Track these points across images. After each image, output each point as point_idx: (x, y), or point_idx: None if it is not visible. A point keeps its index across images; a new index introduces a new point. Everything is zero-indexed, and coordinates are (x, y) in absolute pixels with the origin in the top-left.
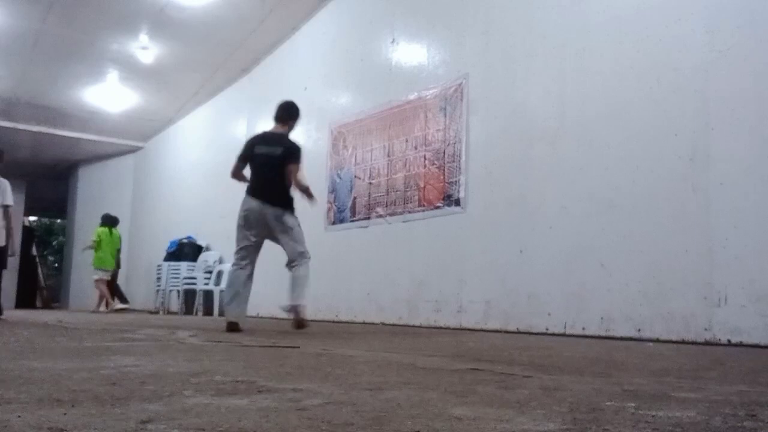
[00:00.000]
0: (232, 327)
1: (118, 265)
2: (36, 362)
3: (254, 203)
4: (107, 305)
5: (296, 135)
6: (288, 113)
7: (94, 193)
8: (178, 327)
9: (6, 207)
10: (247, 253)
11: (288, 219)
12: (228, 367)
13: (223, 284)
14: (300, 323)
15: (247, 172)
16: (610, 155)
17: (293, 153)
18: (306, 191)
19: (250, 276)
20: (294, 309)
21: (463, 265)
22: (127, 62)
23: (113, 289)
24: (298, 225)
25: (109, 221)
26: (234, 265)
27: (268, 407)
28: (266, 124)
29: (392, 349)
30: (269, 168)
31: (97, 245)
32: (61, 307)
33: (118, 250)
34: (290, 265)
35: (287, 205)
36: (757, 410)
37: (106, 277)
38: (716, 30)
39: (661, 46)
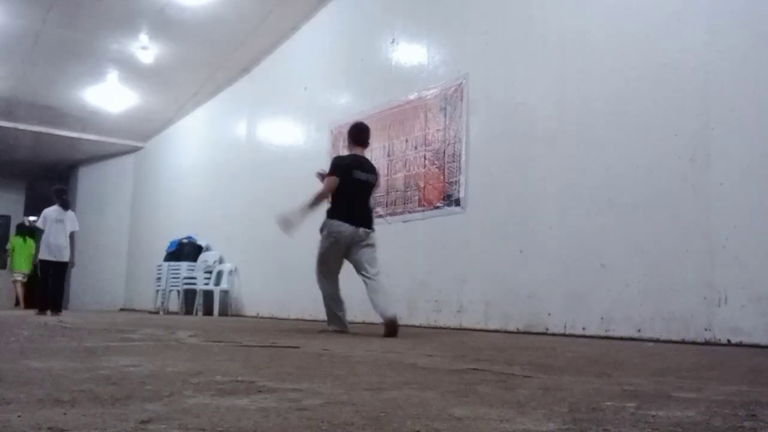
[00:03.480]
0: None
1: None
2: (36, 362)
3: (349, 228)
4: (18, 305)
5: (296, 135)
6: (369, 137)
7: (94, 193)
8: (178, 327)
9: (73, 233)
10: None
11: (373, 237)
12: (228, 367)
13: (225, 284)
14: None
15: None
16: (610, 155)
17: (378, 179)
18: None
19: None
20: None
21: (463, 265)
22: (127, 62)
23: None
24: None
25: (25, 230)
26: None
27: (268, 407)
28: (267, 123)
29: (392, 349)
30: (365, 195)
31: (12, 252)
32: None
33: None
34: (368, 277)
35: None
36: (757, 410)
37: (22, 279)
38: (716, 30)
39: (661, 46)
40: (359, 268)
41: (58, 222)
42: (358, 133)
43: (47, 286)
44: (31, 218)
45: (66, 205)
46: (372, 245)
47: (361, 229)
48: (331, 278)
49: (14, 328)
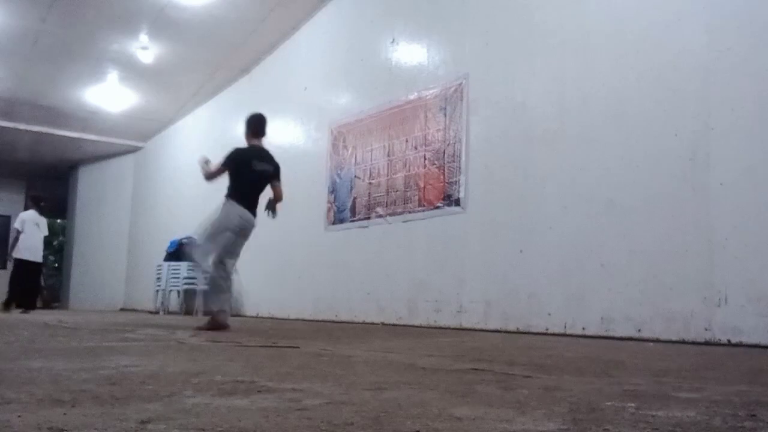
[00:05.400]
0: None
1: None
2: (36, 362)
3: (249, 216)
4: None
5: (296, 135)
6: (266, 127)
7: (94, 193)
8: (178, 327)
9: (44, 237)
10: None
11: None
12: (228, 367)
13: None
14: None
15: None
16: (610, 155)
17: (279, 171)
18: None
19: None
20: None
21: (463, 265)
22: (127, 62)
23: None
24: None
25: None
26: (227, 269)
27: (268, 407)
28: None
29: (392, 349)
30: (261, 184)
31: None
32: (61, 307)
33: None
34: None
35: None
36: (757, 410)
37: None
38: (716, 30)
39: (661, 46)
40: (230, 255)
41: (35, 225)
42: (257, 124)
43: (24, 285)
44: None
45: (42, 211)
46: (248, 238)
47: (253, 221)
48: (224, 255)
49: (14, 328)
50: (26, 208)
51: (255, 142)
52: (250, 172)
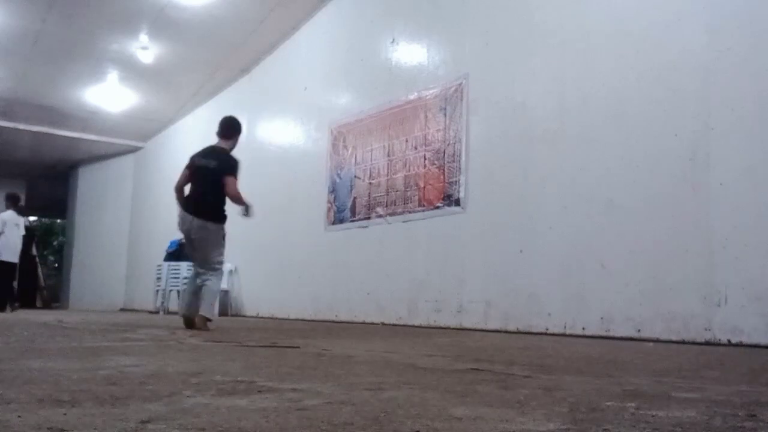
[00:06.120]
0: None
1: None
2: (36, 362)
3: (188, 218)
4: None
5: (296, 135)
6: (228, 128)
7: (94, 193)
8: (178, 327)
9: (23, 236)
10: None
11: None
12: (228, 367)
13: (225, 284)
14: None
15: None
16: (610, 155)
17: (230, 165)
18: (238, 201)
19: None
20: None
21: (463, 265)
22: (127, 62)
23: None
24: (222, 237)
25: None
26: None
27: (268, 407)
28: (267, 123)
29: (392, 349)
30: (205, 181)
31: None
32: (61, 307)
33: None
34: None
35: (215, 217)
36: (757, 410)
37: None
38: (716, 30)
39: (661, 46)
40: (195, 261)
41: (16, 226)
42: (220, 124)
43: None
44: (31, 218)
45: (21, 211)
46: (207, 239)
47: (195, 220)
48: (193, 263)
49: (14, 328)
50: (19, 210)
51: (219, 142)
52: (193, 170)
